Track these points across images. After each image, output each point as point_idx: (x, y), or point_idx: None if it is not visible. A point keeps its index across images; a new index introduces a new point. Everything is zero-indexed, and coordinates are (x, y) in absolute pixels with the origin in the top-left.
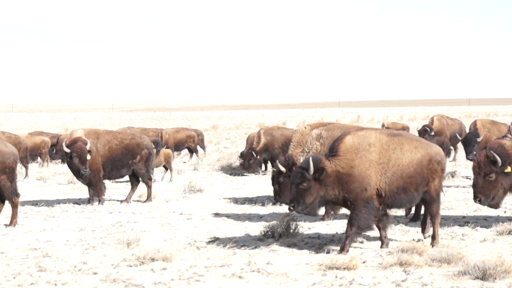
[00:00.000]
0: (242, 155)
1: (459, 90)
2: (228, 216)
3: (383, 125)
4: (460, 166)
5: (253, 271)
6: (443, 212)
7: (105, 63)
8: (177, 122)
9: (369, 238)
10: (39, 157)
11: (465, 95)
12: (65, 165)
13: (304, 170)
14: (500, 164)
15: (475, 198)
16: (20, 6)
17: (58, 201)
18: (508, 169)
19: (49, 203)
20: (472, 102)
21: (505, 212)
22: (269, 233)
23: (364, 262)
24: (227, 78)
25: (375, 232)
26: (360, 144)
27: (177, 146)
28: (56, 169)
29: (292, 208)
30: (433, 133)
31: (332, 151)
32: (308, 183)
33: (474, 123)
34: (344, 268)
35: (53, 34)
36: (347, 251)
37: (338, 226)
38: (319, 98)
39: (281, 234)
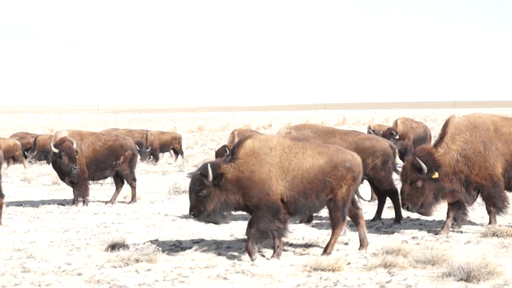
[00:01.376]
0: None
1: (445, 92)
2: None
3: (369, 127)
4: None
5: (238, 272)
6: None
7: (91, 64)
8: (162, 123)
9: (353, 240)
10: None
11: (450, 98)
12: (50, 166)
13: (203, 176)
14: (426, 171)
15: (402, 205)
16: (5, 5)
17: (43, 202)
18: (436, 175)
19: (34, 204)
20: (457, 104)
21: None
22: None
23: (348, 263)
24: (213, 80)
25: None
26: (260, 148)
27: (162, 148)
28: (40, 170)
29: (193, 216)
30: (397, 137)
31: (233, 155)
32: (208, 190)
33: None
34: (329, 270)
35: (39, 34)
36: (252, 253)
37: (322, 227)
38: (305, 100)
39: None
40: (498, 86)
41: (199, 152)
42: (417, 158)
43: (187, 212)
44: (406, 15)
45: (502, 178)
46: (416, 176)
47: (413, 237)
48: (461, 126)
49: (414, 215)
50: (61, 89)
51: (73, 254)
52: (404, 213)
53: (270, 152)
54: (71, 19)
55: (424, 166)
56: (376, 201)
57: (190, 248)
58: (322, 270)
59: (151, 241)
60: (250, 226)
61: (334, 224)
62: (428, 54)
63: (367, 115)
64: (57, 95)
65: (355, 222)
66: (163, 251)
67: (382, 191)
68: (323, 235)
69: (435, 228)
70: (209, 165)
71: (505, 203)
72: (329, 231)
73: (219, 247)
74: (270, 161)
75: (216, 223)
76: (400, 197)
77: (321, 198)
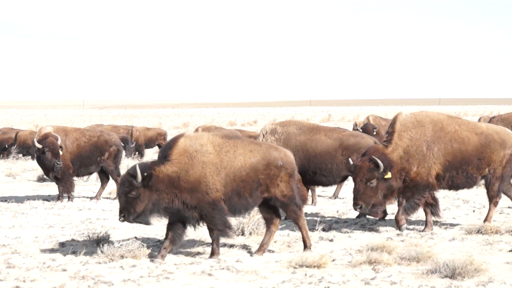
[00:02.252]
0: None
1: (430, 90)
2: None
3: (355, 124)
4: None
5: (223, 268)
6: None
7: (76, 60)
8: (148, 119)
9: (338, 237)
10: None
11: (435, 95)
12: (35, 162)
13: (132, 177)
14: (382, 170)
15: (355, 205)
16: None
17: (28, 198)
18: (389, 175)
19: (19, 200)
20: (442, 102)
21: (473, 211)
22: (239, 230)
23: (333, 260)
24: (198, 76)
25: (344, 231)
26: (191, 146)
27: (148, 144)
28: (25, 166)
29: (122, 219)
30: (375, 132)
31: (165, 155)
32: (137, 191)
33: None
34: (314, 266)
35: (24, 29)
36: (218, 254)
37: (308, 224)
38: (291, 97)
39: (251, 232)
40: (483, 83)
41: None
42: (373, 157)
43: None
44: (392, 13)
45: (436, 182)
46: (372, 175)
47: (398, 234)
48: (407, 123)
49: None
50: (46, 85)
51: (57, 250)
52: (389, 210)
53: (201, 149)
54: (56, 15)
55: (381, 165)
56: None
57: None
58: (307, 266)
59: (136, 237)
60: (210, 230)
61: (293, 219)
62: (413, 51)
63: (352, 111)
64: (42, 90)
65: (268, 223)
66: (148, 247)
67: None
68: (308, 232)
69: (419, 225)
70: (137, 166)
71: (417, 209)
72: (314, 228)
73: (204, 243)
74: (203, 159)
75: (147, 223)
76: (355, 197)
77: (255, 196)
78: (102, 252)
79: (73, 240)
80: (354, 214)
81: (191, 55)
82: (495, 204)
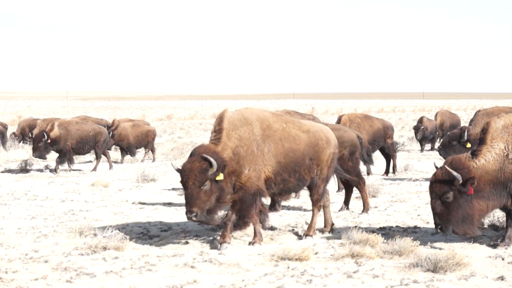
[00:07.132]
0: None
1: (413, 83)
2: (181, 206)
3: (339, 117)
4: (413, 159)
5: (205, 261)
6: (395, 204)
7: (60, 51)
8: (131, 111)
9: (321, 231)
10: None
11: (419, 89)
12: (18, 152)
13: None
14: (215, 170)
15: (190, 212)
16: None
17: (10, 189)
18: (221, 176)
19: (1, 191)
20: (426, 96)
21: None
22: (222, 223)
23: (316, 253)
24: (182, 68)
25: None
26: None
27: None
28: (8, 156)
29: None
30: None
31: None
32: None
33: (339, 119)
34: (296, 259)
35: (8, 19)
36: None
37: (290, 217)
38: (274, 90)
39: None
40: (467, 78)
41: (168, 141)
42: (205, 156)
43: (155, 200)
44: (377, 7)
45: (264, 188)
46: (205, 177)
47: (381, 228)
48: (235, 121)
49: (382, 206)
50: (30, 76)
51: (40, 241)
52: (372, 204)
53: None
54: (41, 5)
55: (215, 164)
56: (343, 191)
57: (158, 236)
58: (289, 259)
59: (119, 229)
60: None
61: None
62: (397, 45)
63: (336, 105)
64: (26, 81)
65: None
66: (130, 239)
67: (349, 182)
68: (291, 225)
69: (402, 218)
70: None
71: (250, 220)
72: (297, 221)
73: (187, 236)
74: None
75: None
76: (189, 204)
77: None
78: (84, 243)
79: (55, 231)
80: (336, 207)
81: (176, 47)
82: (319, 208)
